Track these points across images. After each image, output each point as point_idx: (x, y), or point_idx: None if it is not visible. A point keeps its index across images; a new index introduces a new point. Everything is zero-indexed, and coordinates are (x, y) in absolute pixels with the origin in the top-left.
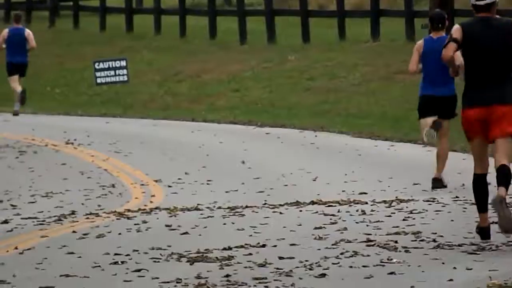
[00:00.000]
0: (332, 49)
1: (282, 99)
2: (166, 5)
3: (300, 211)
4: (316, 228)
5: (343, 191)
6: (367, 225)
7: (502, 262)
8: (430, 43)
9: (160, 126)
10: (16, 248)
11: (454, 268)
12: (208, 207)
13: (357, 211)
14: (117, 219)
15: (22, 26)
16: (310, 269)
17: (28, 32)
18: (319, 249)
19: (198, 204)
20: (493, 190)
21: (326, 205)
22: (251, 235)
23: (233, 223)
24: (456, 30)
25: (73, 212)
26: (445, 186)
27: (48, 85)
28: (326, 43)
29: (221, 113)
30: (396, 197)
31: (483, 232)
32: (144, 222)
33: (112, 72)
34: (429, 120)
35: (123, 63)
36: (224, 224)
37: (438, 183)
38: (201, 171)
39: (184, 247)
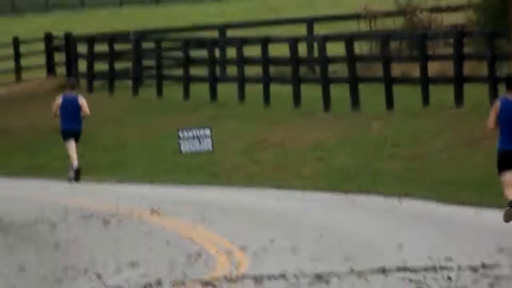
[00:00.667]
0: (416, 115)
1: (366, 166)
2: (250, 73)
3: (386, 277)
4: None
5: (428, 257)
6: None
7: None
8: (505, 103)
9: (244, 194)
10: None
11: None
12: (294, 275)
13: (443, 277)
14: (203, 287)
15: (76, 93)
16: None
17: (82, 99)
18: None
19: (284, 272)
20: None
21: (412, 271)
22: None
23: None
24: None
25: (159, 281)
26: None
27: (133, 153)
28: (410, 110)
29: (306, 181)
30: (482, 262)
31: None
32: None
33: (197, 141)
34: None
35: (208, 131)
36: None
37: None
38: (286, 238)
39: None
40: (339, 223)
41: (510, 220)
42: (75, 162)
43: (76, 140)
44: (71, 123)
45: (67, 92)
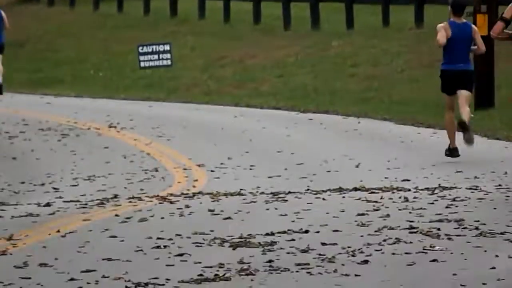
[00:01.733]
0: (376, 36)
1: (325, 85)
2: None
3: (343, 197)
4: (358, 214)
5: (386, 178)
6: (410, 212)
7: None
8: (454, 26)
9: (203, 110)
10: (58, 231)
11: (497, 256)
12: (251, 192)
13: (399, 198)
14: (159, 203)
15: None
16: (353, 256)
17: (3, 12)
18: (362, 236)
19: (241, 189)
20: None
21: (369, 192)
22: (293, 221)
23: (276, 209)
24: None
25: (115, 196)
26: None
27: (92, 68)
28: (370, 30)
29: (265, 99)
30: (439, 184)
31: None
32: (187, 206)
33: (156, 56)
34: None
35: (167, 47)
36: (267, 209)
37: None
38: (244, 156)
39: (226, 232)
40: (297, 141)
41: (471, 143)
42: None
43: (1, 52)
44: None
45: None
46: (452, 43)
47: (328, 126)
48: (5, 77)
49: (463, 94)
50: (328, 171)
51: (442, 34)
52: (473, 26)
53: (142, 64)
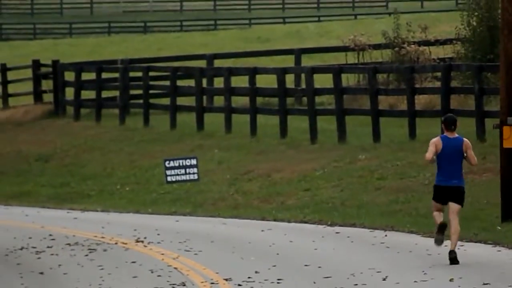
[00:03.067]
0: (402, 149)
1: (352, 198)
2: (236, 103)
3: None
4: None
5: None
6: None
7: None
8: (446, 141)
9: (230, 225)
10: None
11: None
12: None
13: None
14: None
15: None
16: None
17: None
18: None
19: None
20: None
21: None
22: None
23: None
24: None
25: None
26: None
27: (119, 183)
28: (396, 143)
29: (291, 212)
30: None
31: None
32: None
33: (183, 171)
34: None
35: (194, 161)
36: None
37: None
38: (271, 270)
39: None
40: (324, 255)
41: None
42: None
43: None
44: None
45: None
46: (444, 157)
47: (355, 240)
48: (31, 192)
49: (454, 207)
50: (356, 285)
51: (431, 150)
52: (465, 140)
53: (168, 178)
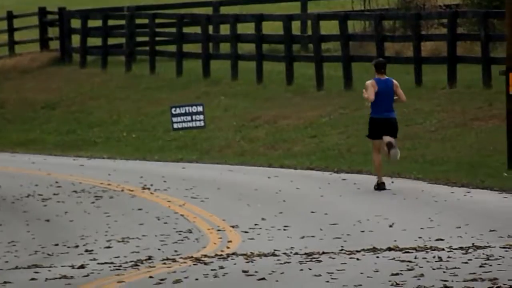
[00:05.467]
0: (408, 95)
1: (358, 145)
2: (242, 50)
3: (377, 257)
4: (392, 274)
5: (419, 237)
6: (444, 272)
7: None
8: (379, 82)
9: (236, 172)
10: None
11: None
12: (285, 253)
13: (434, 257)
14: (194, 264)
15: None
16: None
17: None
18: None
19: (275, 250)
20: None
21: (403, 252)
22: (328, 281)
23: (310, 269)
24: None
25: (149, 258)
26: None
27: (125, 130)
28: (402, 89)
29: (298, 159)
30: (473, 243)
31: None
32: (221, 267)
33: (189, 118)
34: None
35: (200, 108)
36: (301, 270)
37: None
38: (278, 217)
39: None
40: (330, 202)
41: (396, 156)
42: None
43: None
44: None
45: None
46: (379, 96)
47: (361, 186)
48: (38, 139)
49: (387, 138)
50: (362, 231)
51: (371, 91)
52: (394, 80)
53: (175, 125)
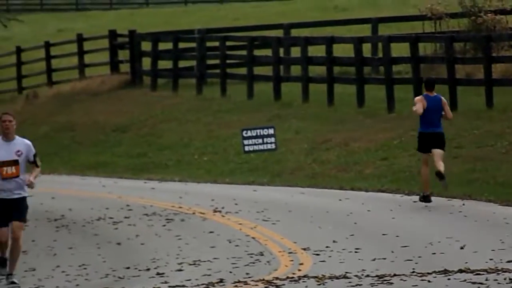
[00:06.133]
0: (479, 117)
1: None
2: (313, 73)
3: (448, 279)
4: None
5: (490, 259)
6: None
7: None
8: (428, 98)
9: (308, 194)
10: None
11: None
12: (356, 275)
13: (505, 279)
14: (265, 287)
15: None
16: None
17: None
18: None
19: (346, 272)
20: None
21: (474, 273)
22: None
23: None
24: None
25: (221, 280)
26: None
27: (196, 153)
28: (474, 111)
29: (369, 181)
30: None
31: None
32: None
33: (260, 140)
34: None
35: (271, 131)
36: None
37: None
38: (349, 239)
39: None
40: (401, 224)
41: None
42: None
43: None
44: None
45: None
46: (427, 111)
47: (432, 209)
48: (108, 162)
49: (437, 152)
50: (433, 253)
51: (420, 105)
52: (442, 98)
53: (246, 148)
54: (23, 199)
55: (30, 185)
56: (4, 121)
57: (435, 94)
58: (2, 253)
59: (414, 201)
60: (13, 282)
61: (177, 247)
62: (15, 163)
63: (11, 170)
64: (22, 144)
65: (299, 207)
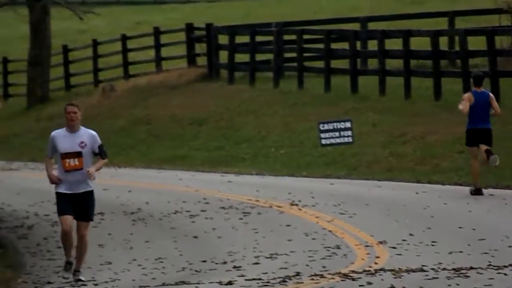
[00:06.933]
0: None
1: (507, 160)
2: (390, 66)
3: None
4: None
5: None
6: None
7: None
8: (476, 94)
9: (384, 187)
10: None
11: None
12: (433, 268)
13: None
14: (341, 280)
15: None
16: None
17: None
18: None
19: (422, 266)
20: None
21: None
22: None
23: (457, 284)
24: None
25: (297, 274)
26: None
27: (273, 146)
28: None
29: (446, 175)
30: None
31: None
32: (369, 283)
33: (337, 133)
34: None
35: (348, 124)
36: (449, 285)
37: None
38: (425, 233)
39: None
40: (478, 217)
41: (495, 162)
42: None
43: None
44: None
45: None
46: (475, 107)
47: (509, 202)
48: (185, 156)
49: (484, 147)
50: (510, 246)
51: (466, 104)
52: (490, 94)
53: (323, 141)
54: (89, 194)
55: (89, 176)
56: (68, 112)
57: (482, 90)
58: (67, 255)
59: (491, 194)
60: (79, 280)
61: (253, 241)
62: (78, 155)
63: (74, 162)
64: (86, 136)
65: (375, 200)
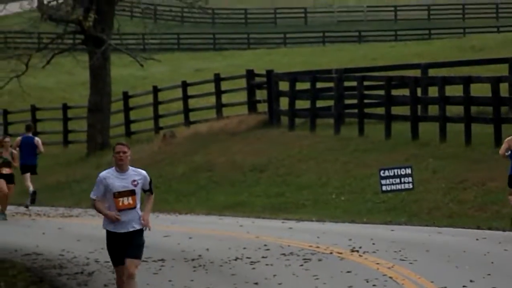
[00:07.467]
0: None
1: None
2: (451, 112)
3: None
4: None
5: None
6: None
7: None
8: None
9: (445, 233)
10: None
11: None
12: None
13: None
14: None
15: (32, 135)
16: None
17: (37, 140)
18: None
19: None
20: None
21: None
22: None
23: None
24: None
25: None
26: None
27: (334, 192)
28: None
29: (506, 221)
30: None
31: None
32: None
33: (398, 180)
34: None
35: (409, 170)
36: None
37: None
38: (486, 279)
39: None
40: None
41: None
42: (30, 188)
43: (32, 173)
44: (28, 159)
45: (25, 133)
46: None
47: None
48: (246, 202)
49: None
50: None
51: (503, 148)
52: None
53: (384, 188)
54: (139, 232)
55: (147, 226)
56: (118, 152)
57: None
58: None
59: None
60: None
61: (314, 287)
62: (131, 193)
63: (127, 200)
64: (137, 175)
65: (436, 247)
